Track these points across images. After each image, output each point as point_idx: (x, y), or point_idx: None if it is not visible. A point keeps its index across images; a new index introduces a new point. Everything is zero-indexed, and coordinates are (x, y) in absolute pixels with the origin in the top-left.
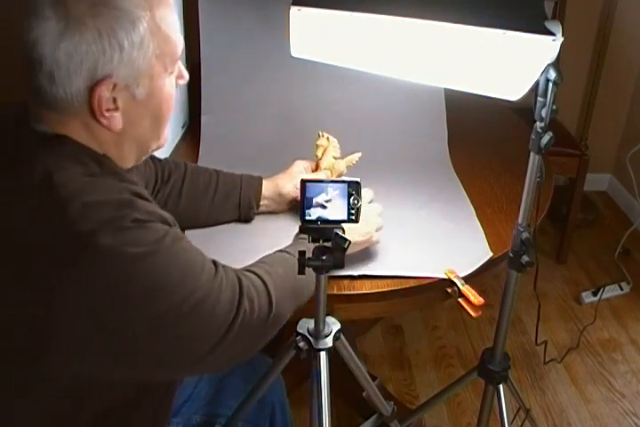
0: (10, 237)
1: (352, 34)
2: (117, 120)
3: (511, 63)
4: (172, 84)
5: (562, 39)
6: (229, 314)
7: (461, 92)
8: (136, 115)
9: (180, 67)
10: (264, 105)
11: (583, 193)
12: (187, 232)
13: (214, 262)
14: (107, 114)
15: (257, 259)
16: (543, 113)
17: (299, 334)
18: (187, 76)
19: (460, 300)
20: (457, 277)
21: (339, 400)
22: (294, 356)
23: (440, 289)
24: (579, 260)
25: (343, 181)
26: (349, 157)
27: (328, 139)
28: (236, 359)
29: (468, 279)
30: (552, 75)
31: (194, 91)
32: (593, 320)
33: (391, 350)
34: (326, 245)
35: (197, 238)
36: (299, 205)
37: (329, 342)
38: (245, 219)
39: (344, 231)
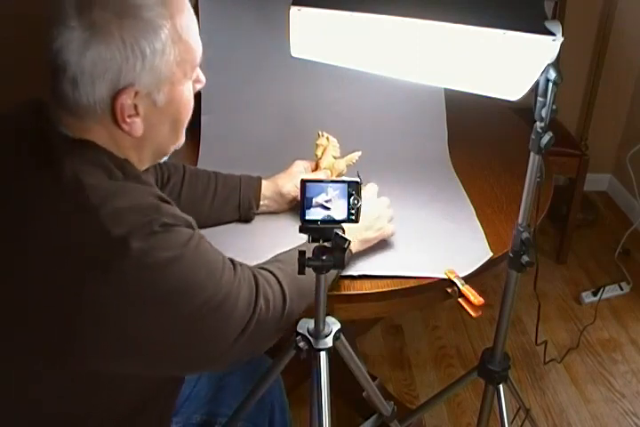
0: (41, 239)
1: (352, 34)
2: (138, 126)
3: (511, 63)
4: (191, 89)
5: (562, 39)
6: (247, 313)
7: (461, 92)
8: (156, 120)
9: (198, 71)
10: (264, 105)
11: (583, 193)
12: None
13: (232, 261)
14: (128, 120)
15: (257, 258)
16: (543, 113)
17: (299, 334)
18: (204, 80)
19: (459, 300)
20: (457, 277)
21: (339, 400)
22: (294, 356)
23: (440, 289)
24: (579, 260)
25: (343, 181)
26: (349, 157)
27: (328, 138)
28: (249, 356)
29: (467, 279)
30: (552, 75)
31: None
32: (593, 320)
33: (391, 350)
34: (326, 245)
35: None
36: (299, 205)
37: (329, 342)
38: (245, 219)
39: (344, 231)
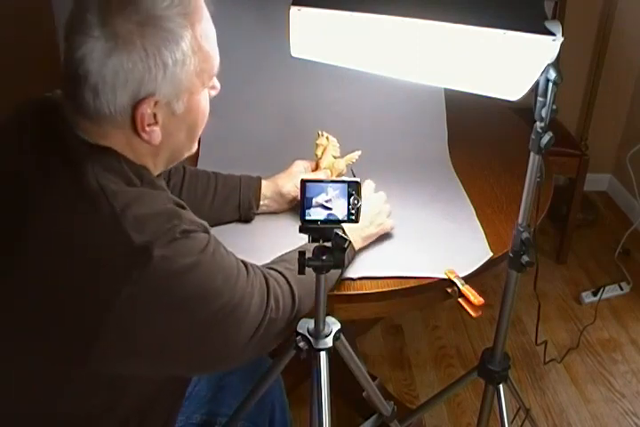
0: (57, 239)
1: (352, 34)
2: (157, 134)
3: (511, 63)
4: (207, 96)
5: (562, 39)
6: (259, 315)
7: (461, 92)
8: (174, 128)
9: (214, 79)
10: (264, 105)
11: (583, 193)
12: None
13: (244, 263)
14: (147, 129)
15: (257, 258)
16: (543, 113)
17: (299, 334)
18: (218, 86)
19: (460, 300)
20: (457, 277)
21: (339, 400)
22: (294, 356)
23: (440, 289)
24: (579, 260)
25: (343, 181)
26: (349, 156)
27: (328, 138)
28: (258, 355)
29: (467, 279)
30: (552, 75)
31: None
32: (593, 320)
33: (391, 350)
34: (326, 245)
35: None
36: (299, 205)
37: (329, 342)
38: (245, 219)
39: (344, 231)
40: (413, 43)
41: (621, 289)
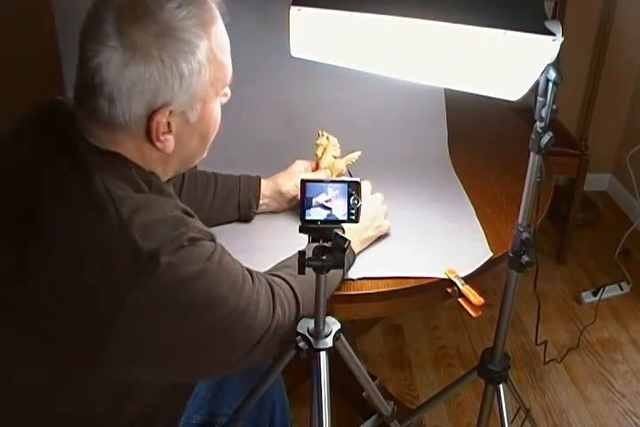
0: (64, 242)
1: (352, 34)
2: (171, 143)
3: (511, 63)
4: (219, 104)
5: (562, 39)
6: (266, 321)
7: (461, 92)
8: (187, 136)
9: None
10: (264, 105)
11: (583, 193)
12: None
13: (249, 271)
14: (162, 137)
15: (257, 258)
16: (543, 113)
17: (299, 333)
18: (229, 93)
19: (460, 300)
20: (457, 277)
21: (339, 400)
22: (294, 356)
23: (440, 289)
24: (579, 260)
25: (343, 181)
26: (349, 156)
27: (328, 138)
28: (262, 360)
29: (467, 279)
30: (552, 75)
31: None
32: (593, 320)
33: (391, 350)
34: (326, 245)
35: None
36: (299, 205)
37: (329, 342)
38: (245, 218)
39: (344, 231)
40: (413, 43)
41: (621, 289)
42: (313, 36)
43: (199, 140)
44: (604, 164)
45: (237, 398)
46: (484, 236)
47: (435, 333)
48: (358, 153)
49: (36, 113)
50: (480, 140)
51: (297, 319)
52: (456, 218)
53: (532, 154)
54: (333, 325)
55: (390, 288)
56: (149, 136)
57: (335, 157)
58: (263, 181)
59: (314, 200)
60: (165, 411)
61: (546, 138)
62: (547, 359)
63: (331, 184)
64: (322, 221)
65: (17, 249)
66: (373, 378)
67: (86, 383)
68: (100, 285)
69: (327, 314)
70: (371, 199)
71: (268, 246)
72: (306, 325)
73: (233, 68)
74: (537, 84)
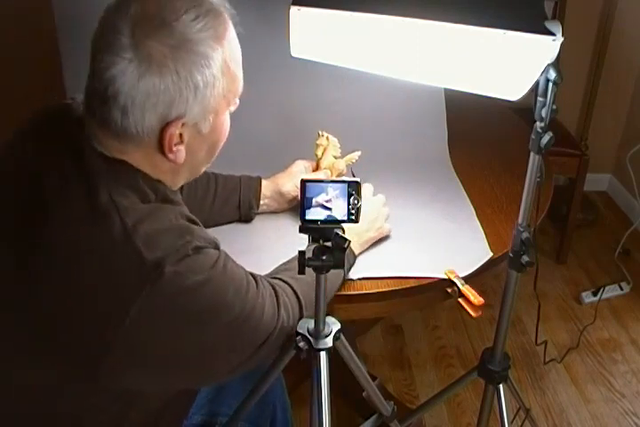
0: (67, 249)
1: (352, 34)
2: (182, 153)
3: (511, 63)
4: (228, 115)
5: (562, 39)
6: (270, 325)
7: (461, 92)
8: (197, 147)
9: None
10: (264, 105)
11: (583, 193)
12: None
13: (253, 276)
14: (174, 149)
15: (257, 258)
16: (543, 113)
17: (299, 333)
18: (238, 103)
19: (460, 300)
20: (457, 277)
21: (339, 400)
22: (294, 356)
23: (440, 289)
24: (579, 260)
25: (343, 181)
26: (349, 156)
27: (328, 138)
28: (263, 361)
29: (467, 279)
30: (552, 75)
31: None
32: (593, 320)
33: (391, 350)
34: (326, 245)
35: None
36: (299, 205)
37: (329, 342)
38: (246, 219)
39: (344, 231)
40: (413, 43)
41: (621, 289)
42: (313, 36)
43: (208, 150)
44: (603, 164)
45: (238, 399)
46: (483, 236)
47: (435, 333)
48: (358, 153)
49: (42, 116)
50: (480, 140)
51: (298, 323)
52: (456, 218)
53: (532, 154)
54: (333, 325)
55: (390, 288)
56: (162, 148)
57: (335, 157)
58: (263, 182)
59: (314, 200)
60: (167, 419)
61: (546, 138)
62: (547, 359)
63: (331, 184)
64: (322, 221)
65: (17, 249)
66: (373, 378)
67: (88, 388)
68: (104, 294)
69: (327, 314)
70: (372, 201)
71: (268, 246)
72: (306, 325)
73: None
74: (537, 84)
